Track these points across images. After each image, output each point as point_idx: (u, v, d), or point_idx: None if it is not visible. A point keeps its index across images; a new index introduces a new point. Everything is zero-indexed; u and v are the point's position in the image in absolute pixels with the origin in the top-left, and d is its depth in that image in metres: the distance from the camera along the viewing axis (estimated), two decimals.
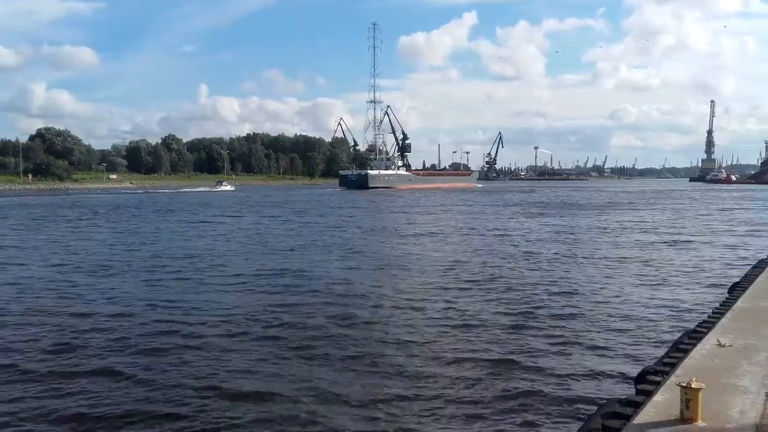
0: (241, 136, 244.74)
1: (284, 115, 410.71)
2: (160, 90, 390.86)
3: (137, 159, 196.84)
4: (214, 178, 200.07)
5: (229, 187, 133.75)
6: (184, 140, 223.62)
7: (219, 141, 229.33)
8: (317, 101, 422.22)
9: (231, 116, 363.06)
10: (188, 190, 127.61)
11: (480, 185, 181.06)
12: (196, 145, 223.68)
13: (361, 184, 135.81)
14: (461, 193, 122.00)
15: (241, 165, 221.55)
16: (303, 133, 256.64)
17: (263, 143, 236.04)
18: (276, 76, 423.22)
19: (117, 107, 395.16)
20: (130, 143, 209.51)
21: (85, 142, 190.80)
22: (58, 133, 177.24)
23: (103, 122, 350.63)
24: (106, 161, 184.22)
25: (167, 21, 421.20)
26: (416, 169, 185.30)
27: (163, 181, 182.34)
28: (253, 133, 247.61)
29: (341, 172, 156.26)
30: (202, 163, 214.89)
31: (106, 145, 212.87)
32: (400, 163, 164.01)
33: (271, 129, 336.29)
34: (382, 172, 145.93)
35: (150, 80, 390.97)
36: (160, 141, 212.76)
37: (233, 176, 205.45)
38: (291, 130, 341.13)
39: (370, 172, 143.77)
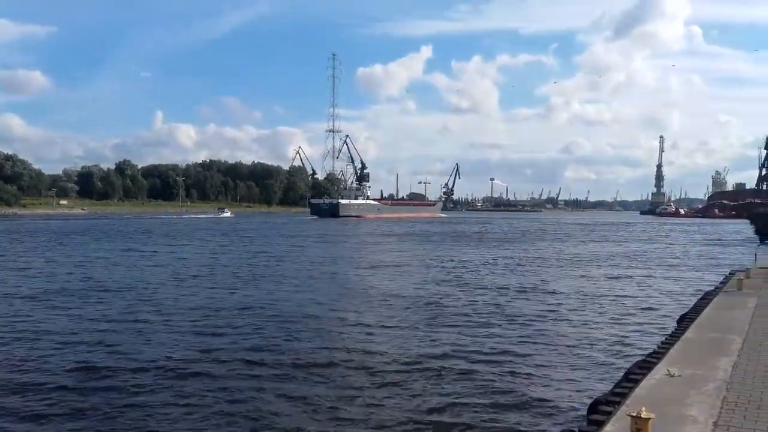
0: (197, 162, 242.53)
1: (242, 142, 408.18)
2: (115, 115, 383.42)
3: (89, 184, 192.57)
4: (168, 205, 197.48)
5: (228, 214, 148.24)
6: (139, 166, 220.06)
7: (174, 167, 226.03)
8: (276, 129, 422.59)
9: (187, 143, 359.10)
10: (194, 216, 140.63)
11: (444, 215, 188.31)
12: (150, 171, 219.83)
13: (332, 212, 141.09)
14: (428, 223, 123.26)
15: (196, 192, 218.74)
16: (261, 161, 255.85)
17: (220, 170, 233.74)
18: (234, 104, 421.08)
19: (70, 132, 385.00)
20: (82, 168, 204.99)
21: (36, 166, 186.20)
22: (7, 158, 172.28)
23: (54, 147, 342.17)
24: (56, 186, 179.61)
25: (124, 46, 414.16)
26: (384, 199, 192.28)
27: (116, 208, 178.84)
28: (210, 160, 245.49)
29: (312, 201, 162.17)
30: (157, 190, 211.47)
31: (57, 170, 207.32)
32: (369, 192, 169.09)
33: (229, 156, 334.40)
34: (353, 201, 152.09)
35: (105, 105, 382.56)
36: (114, 167, 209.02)
37: (188, 203, 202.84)
38: (248, 158, 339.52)
39: (341, 201, 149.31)
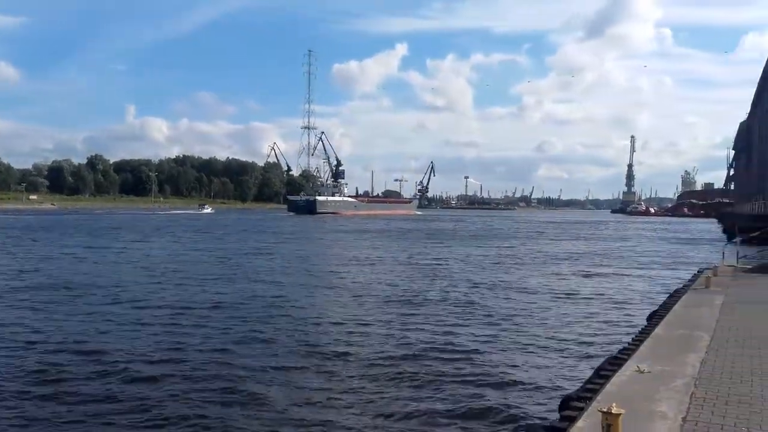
0: (171, 158, 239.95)
1: (215, 137, 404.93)
2: (86, 109, 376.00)
3: (60, 179, 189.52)
4: (141, 200, 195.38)
5: (209, 210, 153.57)
6: (111, 161, 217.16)
7: (147, 162, 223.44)
8: (250, 125, 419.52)
9: (159, 137, 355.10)
10: (176, 212, 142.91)
11: (420, 212, 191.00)
12: (123, 166, 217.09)
13: (310, 209, 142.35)
14: (404, 220, 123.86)
15: (169, 188, 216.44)
16: (235, 157, 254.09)
17: (194, 166, 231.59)
18: (207, 99, 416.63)
19: (39, 125, 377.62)
20: (53, 163, 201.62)
21: (5, 160, 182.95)
22: None
23: (24, 140, 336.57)
24: (26, 181, 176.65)
25: (97, 39, 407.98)
26: (360, 196, 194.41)
27: (87, 203, 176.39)
28: (183, 155, 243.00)
29: (290, 197, 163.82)
30: (129, 185, 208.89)
31: (27, 164, 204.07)
32: (346, 190, 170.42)
33: (202, 151, 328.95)
34: (330, 198, 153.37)
35: (76, 98, 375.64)
36: (85, 161, 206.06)
37: (161, 198, 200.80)
38: (222, 153, 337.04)
39: (319, 198, 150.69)
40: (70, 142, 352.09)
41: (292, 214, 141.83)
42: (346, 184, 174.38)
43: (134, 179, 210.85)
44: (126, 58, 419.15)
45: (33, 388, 11.18)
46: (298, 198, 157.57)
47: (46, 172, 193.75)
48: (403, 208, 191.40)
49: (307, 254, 41.22)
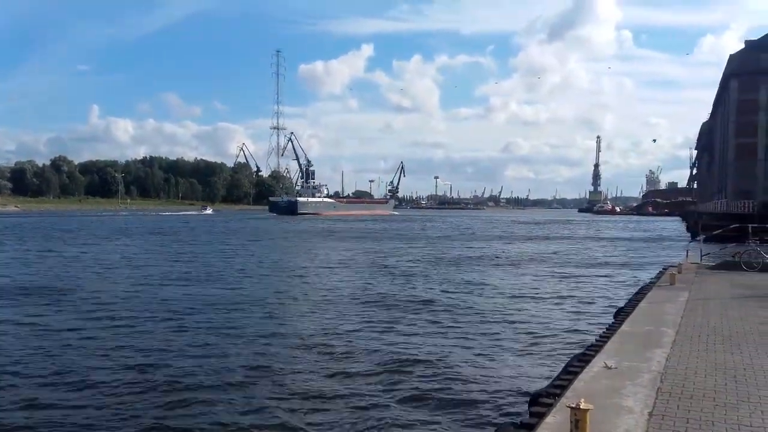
0: (137, 159, 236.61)
1: (182, 138, 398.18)
2: (49, 109, 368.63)
3: (23, 181, 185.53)
4: (107, 202, 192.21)
5: (210, 211, 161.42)
6: (76, 162, 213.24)
7: (113, 164, 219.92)
8: (217, 126, 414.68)
9: (125, 138, 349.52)
10: (181, 213, 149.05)
11: (397, 213, 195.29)
12: (88, 168, 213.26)
13: (291, 210, 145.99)
14: (382, 220, 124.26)
15: (136, 189, 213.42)
16: (203, 158, 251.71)
17: (161, 167, 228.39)
18: (173, 99, 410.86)
19: (1, 126, 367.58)
20: (15, 164, 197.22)
21: None
22: None
23: None
24: None
25: (60, 38, 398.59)
26: (334, 197, 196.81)
27: (51, 205, 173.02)
28: (150, 156, 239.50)
29: (271, 199, 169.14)
30: (95, 187, 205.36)
31: None
32: (325, 191, 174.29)
33: (169, 152, 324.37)
34: (310, 199, 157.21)
35: (38, 99, 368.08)
36: (49, 162, 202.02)
37: (128, 200, 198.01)
38: (189, 154, 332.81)
39: (300, 199, 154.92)
40: (33, 144, 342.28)
41: (273, 214, 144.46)
42: (326, 185, 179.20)
43: (100, 181, 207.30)
44: (88, 57, 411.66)
45: None
46: (279, 199, 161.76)
47: (8, 174, 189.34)
48: (381, 208, 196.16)
49: (295, 255, 41.09)
